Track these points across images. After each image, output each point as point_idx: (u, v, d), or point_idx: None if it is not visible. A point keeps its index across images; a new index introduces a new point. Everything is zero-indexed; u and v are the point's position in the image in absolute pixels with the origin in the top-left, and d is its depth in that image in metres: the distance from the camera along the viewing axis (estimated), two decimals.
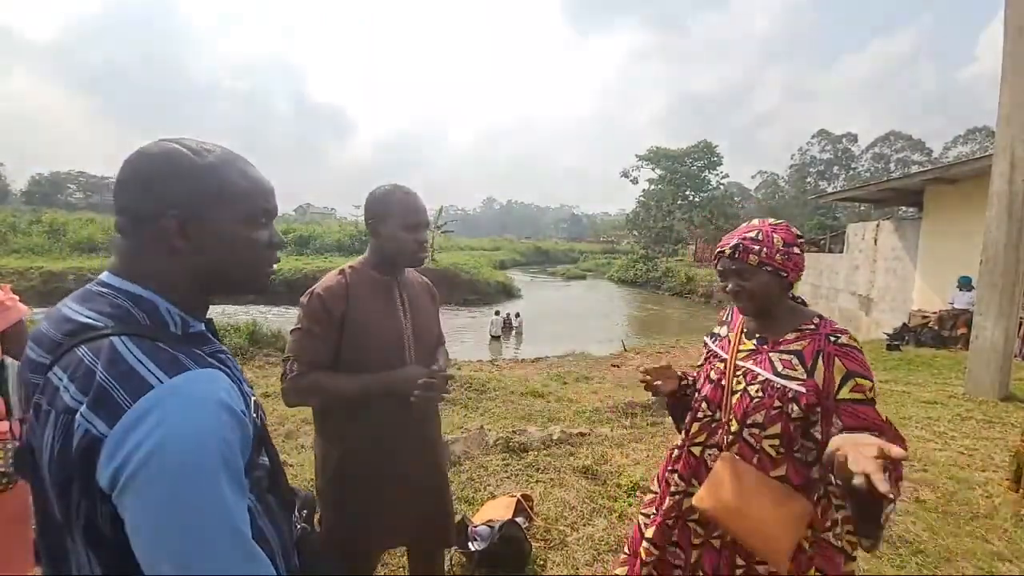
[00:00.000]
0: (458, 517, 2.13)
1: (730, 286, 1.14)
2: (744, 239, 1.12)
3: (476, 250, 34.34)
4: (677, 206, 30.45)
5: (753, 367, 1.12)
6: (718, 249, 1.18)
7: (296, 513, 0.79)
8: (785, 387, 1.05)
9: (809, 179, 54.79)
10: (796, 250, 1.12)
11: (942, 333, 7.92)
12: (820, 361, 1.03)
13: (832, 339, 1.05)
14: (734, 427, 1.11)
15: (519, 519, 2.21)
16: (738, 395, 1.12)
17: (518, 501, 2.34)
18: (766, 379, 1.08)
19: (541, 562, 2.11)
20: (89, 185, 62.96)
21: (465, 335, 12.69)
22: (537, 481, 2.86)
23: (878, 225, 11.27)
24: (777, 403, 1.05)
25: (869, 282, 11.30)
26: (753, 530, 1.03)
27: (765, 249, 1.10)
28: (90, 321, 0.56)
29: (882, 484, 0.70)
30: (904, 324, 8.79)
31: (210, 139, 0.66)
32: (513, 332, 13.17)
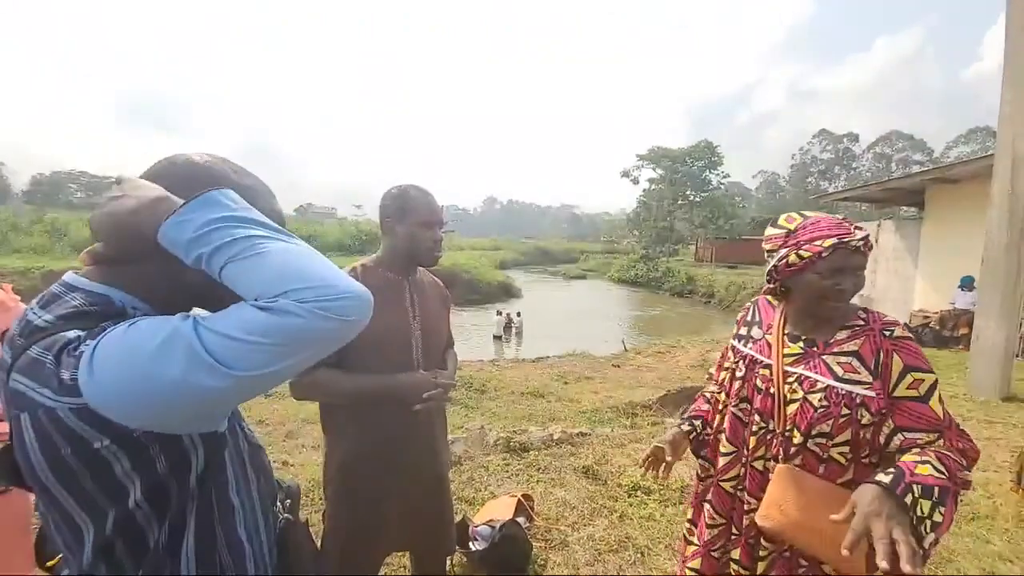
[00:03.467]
0: (459, 517, 2.13)
1: (845, 284, 1.01)
2: (860, 231, 1.02)
3: (477, 250, 34.29)
4: (678, 206, 30.46)
5: (809, 373, 1.05)
6: (839, 240, 1.00)
7: (279, 504, 0.80)
8: (851, 392, 0.99)
9: (810, 179, 54.84)
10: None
11: (943, 333, 7.92)
12: (880, 358, 0.98)
13: (886, 334, 1.00)
14: (797, 439, 1.03)
15: (520, 519, 2.21)
16: (796, 404, 1.04)
17: (519, 501, 2.34)
18: (828, 385, 1.01)
19: (542, 562, 2.11)
20: (91, 185, 63.02)
21: (466, 335, 12.68)
22: (538, 481, 2.86)
23: (879, 225, 11.24)
24: (845, 410, 0.99)
25: (870, 282, 11.28)
26: (825, 541, 0.95)
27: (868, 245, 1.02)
28: (45, 325, 0.57)
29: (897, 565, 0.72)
30: (905, 324, 8.77)
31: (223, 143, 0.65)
32: (514, 332, 13.17)
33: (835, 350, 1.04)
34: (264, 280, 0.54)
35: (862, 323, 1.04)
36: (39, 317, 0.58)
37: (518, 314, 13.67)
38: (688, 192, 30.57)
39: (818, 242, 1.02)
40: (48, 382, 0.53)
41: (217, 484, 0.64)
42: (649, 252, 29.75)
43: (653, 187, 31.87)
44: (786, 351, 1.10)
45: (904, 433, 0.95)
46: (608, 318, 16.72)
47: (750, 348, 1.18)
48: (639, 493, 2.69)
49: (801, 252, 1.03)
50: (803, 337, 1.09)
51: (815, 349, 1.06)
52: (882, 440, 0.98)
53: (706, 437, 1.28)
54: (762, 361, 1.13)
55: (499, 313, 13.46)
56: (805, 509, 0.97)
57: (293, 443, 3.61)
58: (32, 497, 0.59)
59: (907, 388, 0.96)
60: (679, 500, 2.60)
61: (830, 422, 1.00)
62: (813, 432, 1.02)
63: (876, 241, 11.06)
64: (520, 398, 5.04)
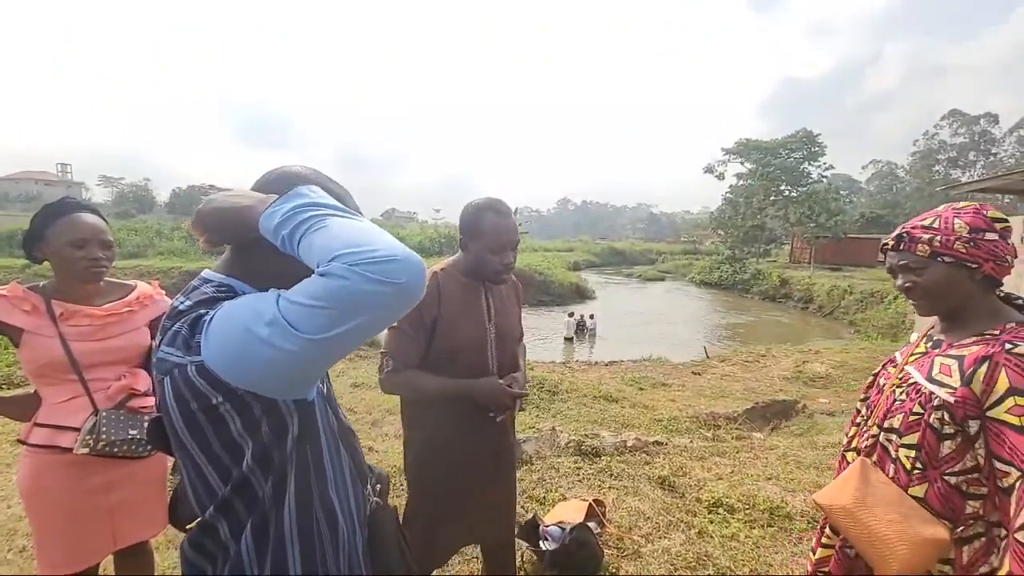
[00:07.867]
0: (529, 515, 2.16)
1: (899, 282, 1.05)
2: (912, 227, 1.00)
3: (550, 251, 34.19)
4: (770, 202, 27.81)
5: (912, 370, 1.03)
6: (882, 243, 1.09)
7: (369, 488, 0.86)
8: (932, 393, 0.94)
9: (937, 168, 47.37)
10: (990, 236, 0.94)
11: None
12: (983, 368, 0.88)
13: (1008, 347, 0.89)
14: (873, 430, 1.05)
15: (591, 524, 2.18)
16: (886, 396, 1.06)
17: (590, 505, 2.31)
18: (915, 382, 1.00)
19: (613, 569, 2.06)
20: None
21: (538, 336, 12.74)
22: (610, 487, 2.80)
23: None
24: (917, 408, 0.95)
25: (1015, 288, 9.43)
26: (867, 538, 0.96)
27: (940, 237, 0.95)
28: (185, 308, 0.70)
29: None
30: None
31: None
32: (587, 334, 12.97)
33: (950, 352, 0.98)
34: (323, 249, 0.60)
35: (997, 332, 0.93)
36: (182, 303, 0.72)
37: (591, 316, 13.43)
38: (782, 187, 27.81)
39: None
40: (181, 346, 0.65)
41: (313, 448, 0.72)
42: (736, 252, 27.61)
43: (741, 183, 29.51)
44: (916, 350, 1.08)
45: (996, 462, 0.87)
46: (688, 322, 15.81)
47: (900, 351, 1.18)
48: (721, 510, 2.52)
49: None
50: (935, 338, 1.06)
51: (936, 350, 1.03)
52: (980, 460, 0.90)
53: None
54: (895, 360, 1.14)
55: (571, 315, 13.32)
56: (861, 500, 0.98)
57: (378, 431, 3.89)
58: (168, 462, 0.71)
59: (1006, 412, 0.85)
60: (768, 522, 2.39)
61: (900, 416, 0.99)
62: (885, 424, 1.03)
63: (1022, 240, 9.26)
64: (592, 402, 4.95)
